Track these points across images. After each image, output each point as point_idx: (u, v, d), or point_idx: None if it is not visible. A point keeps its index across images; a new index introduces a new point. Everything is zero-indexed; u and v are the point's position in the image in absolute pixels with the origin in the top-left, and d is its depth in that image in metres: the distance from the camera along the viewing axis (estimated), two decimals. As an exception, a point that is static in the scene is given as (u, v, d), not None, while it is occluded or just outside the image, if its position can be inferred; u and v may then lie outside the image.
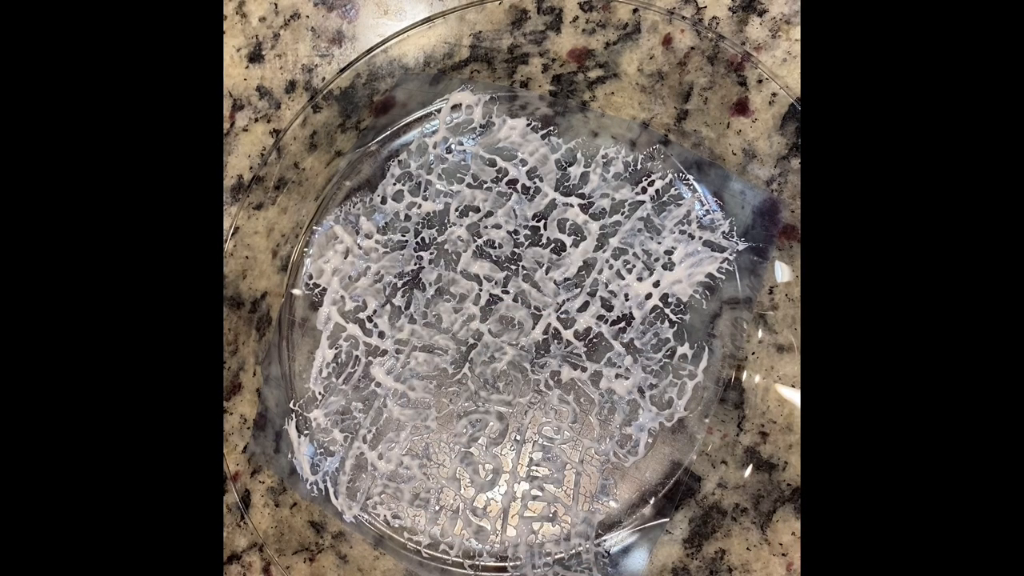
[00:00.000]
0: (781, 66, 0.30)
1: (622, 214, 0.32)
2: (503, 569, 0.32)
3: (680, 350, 0.30)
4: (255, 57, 0.38)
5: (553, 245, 0.32)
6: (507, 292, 0.33)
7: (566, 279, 0.32)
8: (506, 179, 0.33)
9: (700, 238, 0.31)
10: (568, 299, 0.32)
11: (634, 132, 0.32)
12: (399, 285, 0.34)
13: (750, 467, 0.29)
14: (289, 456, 0.35)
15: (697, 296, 0.30)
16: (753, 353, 0.30)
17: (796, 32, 0.30)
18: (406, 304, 0.34)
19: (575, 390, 0.32)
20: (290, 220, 0.37)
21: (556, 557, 0.31)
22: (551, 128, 0.33)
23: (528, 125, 0.33)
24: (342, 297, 0.35)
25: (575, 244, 0.32)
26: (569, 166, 0.33)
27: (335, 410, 0.35)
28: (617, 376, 0.31)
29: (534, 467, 0.32)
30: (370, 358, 0.34)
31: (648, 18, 0.31)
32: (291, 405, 0.35)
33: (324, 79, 0.37)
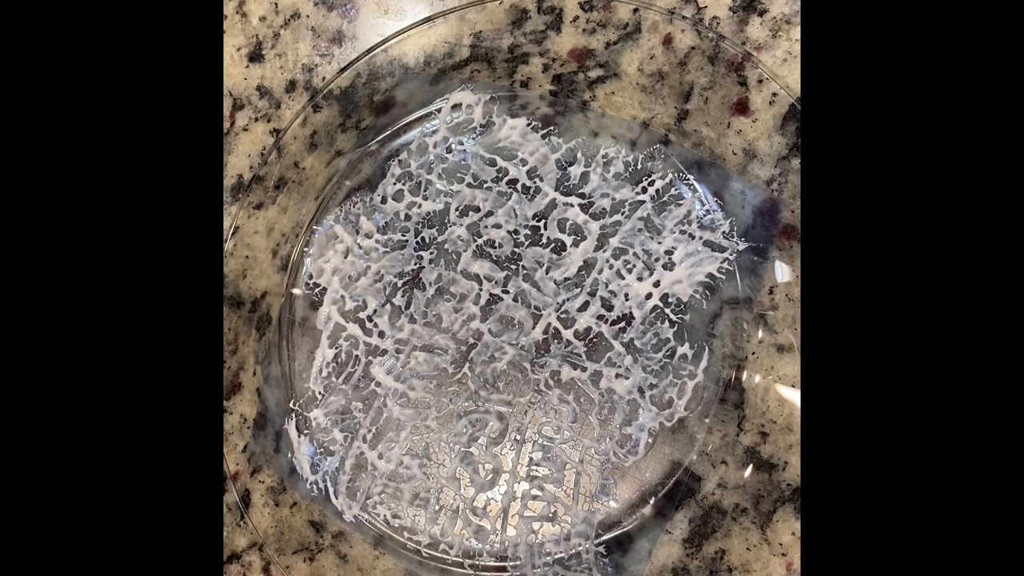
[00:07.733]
0: (781, 66, 0.30)
1: (622, 214, 0.32)
2: (503, 569, 0.32)
3: (680, 350, 0.30)
4: (255, 57, 0.38)
5: (553, 245, 0.32)
6: (507, 292, 0.33)
7: (566, 279, 0.32)
8: (506, 179, 0.33)
9: (700, 238, 0.31)
10: (568, 299, 0.32)
11: (634, 132, 0.32)
12: (399, 285, 0.34)
13: (750, 467, 0.29)
14: (289, 456, 0.35)
15: (697, 296, 0.30)
16: (753, 353, 0.30)
17: (796, 32, 0.30)
18: (406, 304, 0.34)
19: (575, 390, 0.32)
20: (290, 220, 0.37)
21: (556, 557, 0.31)
22: (551, 128, 0.33)
23: (528, 125, 0.33)
24: (342, 297, 0.35)
25: (575, 244, 0.32)
26: (569, 166, 0.33)
27: (335, 410, 0.35)
28: (617, 376, 0.31)
29: (534, 467, 0.32)
30: (370, 358, 0.34)
31: (648, 18, 0.31)
32: (291, 405, 0.35)
33: (324, 79, 0.37)
